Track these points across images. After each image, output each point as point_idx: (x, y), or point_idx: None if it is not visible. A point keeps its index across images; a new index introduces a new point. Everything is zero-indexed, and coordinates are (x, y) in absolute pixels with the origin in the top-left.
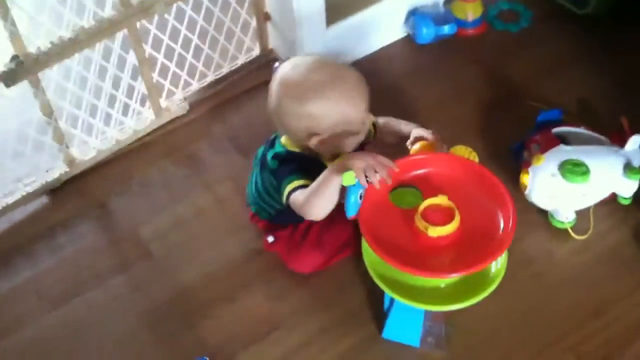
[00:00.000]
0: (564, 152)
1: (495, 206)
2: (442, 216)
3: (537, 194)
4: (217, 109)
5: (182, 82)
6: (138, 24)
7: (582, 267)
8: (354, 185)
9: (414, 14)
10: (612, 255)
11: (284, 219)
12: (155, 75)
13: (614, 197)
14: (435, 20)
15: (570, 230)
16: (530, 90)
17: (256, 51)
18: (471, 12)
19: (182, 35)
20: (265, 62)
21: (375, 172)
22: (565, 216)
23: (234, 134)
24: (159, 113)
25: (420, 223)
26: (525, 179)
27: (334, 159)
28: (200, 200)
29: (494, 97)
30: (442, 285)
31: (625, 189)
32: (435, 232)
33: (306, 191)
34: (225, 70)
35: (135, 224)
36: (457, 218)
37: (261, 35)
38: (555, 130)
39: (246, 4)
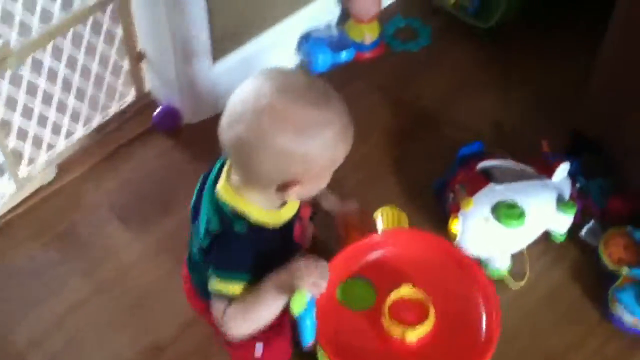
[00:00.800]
0: (493, 192)
1: (468, 289)
2: (413, 312)
3: (469, 242)
4: (91, 170)
5: (45, 144)
6: None
7: (525, 317)
8: (307, 309)
9: (307, 40)
10: (553, 300)
11: None
12: (11, 140)
13: (545, 235)
14: (331, 46)
15: (508, 280)
16: (441, 115)
17: (131, 96)
18: (368, 34)
19: (41, 90)
20: (143, 107)
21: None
22: (500, 263)
23: (114, 199)
24: (21, 184)
25: (391, 327)
26: (455, 225)
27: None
28: (80, 290)
29: (402, 127)
30: None
31: (560, 225)
32: (413, 335)
33: (238, 307)
34: (96, 122)
35: (5, 329)
36: (432, 312)
37: (136, 77)
38: (480, 166)
39: (116, 43)
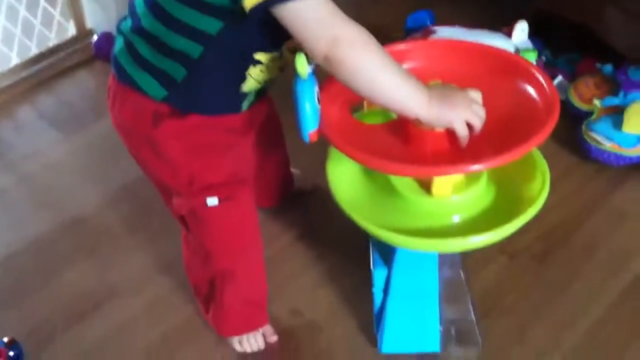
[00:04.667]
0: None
1: (515, 82)
2: None
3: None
4: (26, 93)
5: None
6: None
7: None
8: (306, 80)
9: None
10: None
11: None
12: None
13: None
14: None
15: None
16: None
17: (71, 31)
18: None
19: None
20: (84, 45)
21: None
22: None
23: (47, 112)
24: None
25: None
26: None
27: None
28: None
29: None
30: (458, 220)
31: None
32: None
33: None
34: (33, 52)
35: None
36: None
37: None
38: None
39: None
